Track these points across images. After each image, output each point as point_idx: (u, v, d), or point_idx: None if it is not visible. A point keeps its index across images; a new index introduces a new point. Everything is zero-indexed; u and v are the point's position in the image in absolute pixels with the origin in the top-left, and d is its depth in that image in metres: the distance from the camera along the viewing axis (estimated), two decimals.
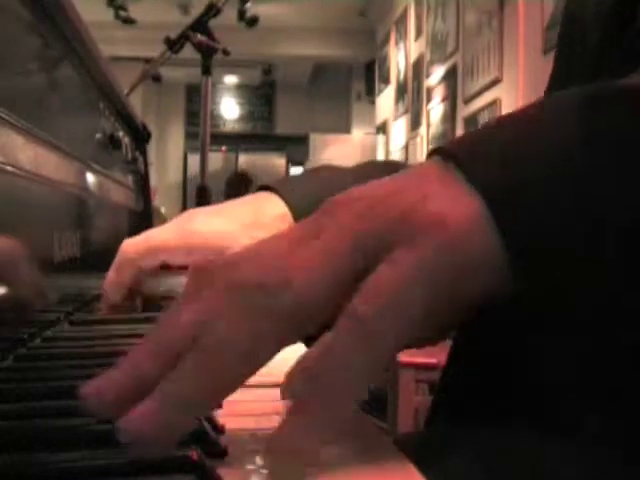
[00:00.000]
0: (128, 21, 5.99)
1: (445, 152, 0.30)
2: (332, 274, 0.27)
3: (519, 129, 0.30)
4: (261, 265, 0.28)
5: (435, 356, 2.22)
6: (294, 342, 0.28)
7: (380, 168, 0.63)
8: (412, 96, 5.52)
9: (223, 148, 7.97)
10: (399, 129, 6.05)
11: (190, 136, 8.29)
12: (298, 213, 0.57)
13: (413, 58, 5.51)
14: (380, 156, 7.06)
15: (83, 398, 0.26)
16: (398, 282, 0.26)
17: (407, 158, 5.66)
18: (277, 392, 0.37)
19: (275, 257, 0.28)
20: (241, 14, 2.73)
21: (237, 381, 0.27)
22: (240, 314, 0.26)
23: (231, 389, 0.27)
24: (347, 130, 8.18)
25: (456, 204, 0.28)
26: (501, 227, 0.27)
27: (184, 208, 7.56)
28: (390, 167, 0.63)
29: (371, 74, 7.30)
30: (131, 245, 0.59)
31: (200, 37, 2.03)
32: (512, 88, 3.48)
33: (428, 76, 5.02)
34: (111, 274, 0.60)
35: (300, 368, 0.32)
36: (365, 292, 0.27)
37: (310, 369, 0.27)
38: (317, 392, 0.26)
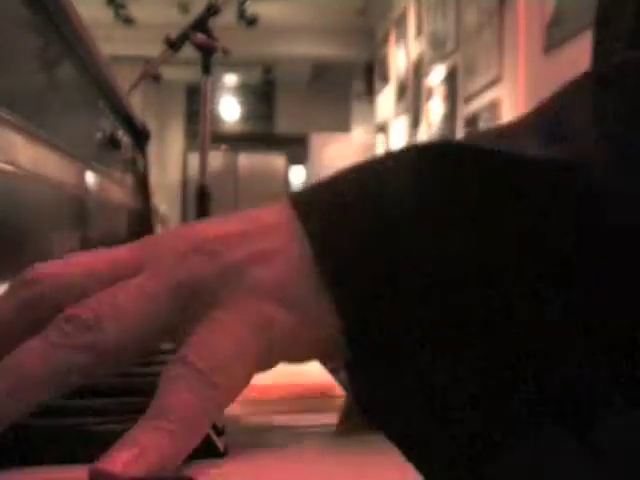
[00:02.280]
0: (128, 20, 6.00)
1: (292, 199, 0.30)
2: (146, 319, 0.27)
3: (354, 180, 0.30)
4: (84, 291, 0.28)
5: None
6: (100, 374, 0.28)
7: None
8: (412, 95, 5.52)
9: (223, 148, 7.96)
10: (399, 128, 6.05)
11: (190, 136, 8.29)
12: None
13: (413, 57, 5.51)
14: None
15: None
16: (231, 339, 0.26)
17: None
18: (277, 394, 0.37)
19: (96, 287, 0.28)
20: (241, 14, 2.74)
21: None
22: (51, 341, 0.27)
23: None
24: (347, 130, 8.19)
25: (282, 259, 0.28)
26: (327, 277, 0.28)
27: (184, 208, 7.57)
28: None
29: (371, 73, 7.30)
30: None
31: (200, 36, 2.03)
32: (512, 88, 3.48)
33: (428, 75, 5.02)
34: None
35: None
36: (198, 345, 0.26)
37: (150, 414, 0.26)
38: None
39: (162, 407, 0.25)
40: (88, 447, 0.26)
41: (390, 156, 0.31)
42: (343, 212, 0.28)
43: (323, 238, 0.28)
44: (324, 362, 0.35)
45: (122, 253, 0.30)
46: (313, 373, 0.41)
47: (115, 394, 0.34)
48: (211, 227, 0.29)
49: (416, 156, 0.30)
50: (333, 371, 0.40)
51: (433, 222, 0.28)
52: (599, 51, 0.52)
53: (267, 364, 0.28)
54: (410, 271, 0.27)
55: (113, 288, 0.28)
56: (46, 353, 0.26)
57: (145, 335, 0.27)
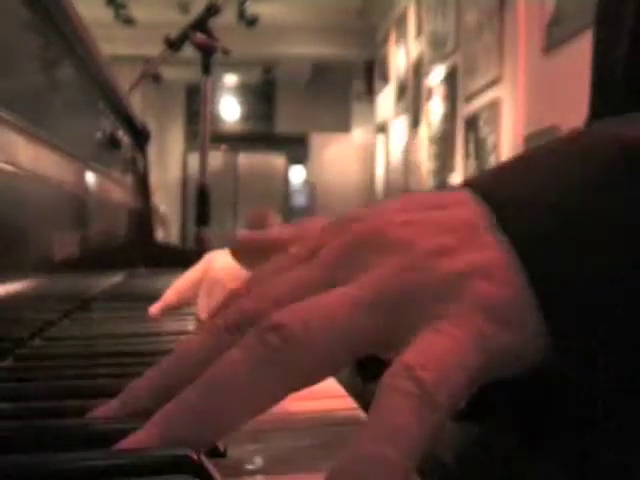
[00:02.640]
0: (128, 20, 6.00)
1: (476, 189, 0.29)
2: (355, 327, 0.26)
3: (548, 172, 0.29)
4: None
5: None
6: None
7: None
8: (412, 95, 5.52)
9: (223, 148, 7.96)
10: (399, 128, 6.05)
11: (190, 136, 8.29)
12: None
13: (413, 57, 5.51)
14: (380, 156, 7.06)
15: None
16: (456, 351, 0.25)
17: (407, 158, 5.67)
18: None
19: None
20: (241, 13, 2.74)
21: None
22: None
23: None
24: (347, 129, 8.18)
25: (491, 280, 0.27)
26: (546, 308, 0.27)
27: (184, 208, 7.57)
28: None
29: (371, 73, 7.30)
30: (219, 270, 0.60)
31: (200, 36, 2.03)
32: (512, 88, 3.48)
33: (428, 75, 5.02)
34: (203, 301, 0.60)
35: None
36: (423, 354, 0.25)
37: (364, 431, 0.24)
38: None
39: (385, 427, 0.23)
40: (90, 448, 0.26)
41: (584, 149, 0.29)
42: (549, 221, 0.27)
43: (536, 257, 0.27)
44: None
45: (315, 271, 0.29)
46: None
47: (115, 394, 0.34)
48: (416, 234, 0.28)
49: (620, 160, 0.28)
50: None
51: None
52: (599, 50, 0.52)
53: (482, 381, 0.26)
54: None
55: (320, 296, 0.27)
56: (251, 369, 0.25)
57: (353, 344, 0.26)
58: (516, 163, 0.31)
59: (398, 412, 0.23)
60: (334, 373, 0.27)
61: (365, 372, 0.31)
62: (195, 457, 0.24)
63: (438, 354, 0.25)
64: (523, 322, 0.27)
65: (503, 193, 0.28)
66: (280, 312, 0.26)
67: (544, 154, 0.30)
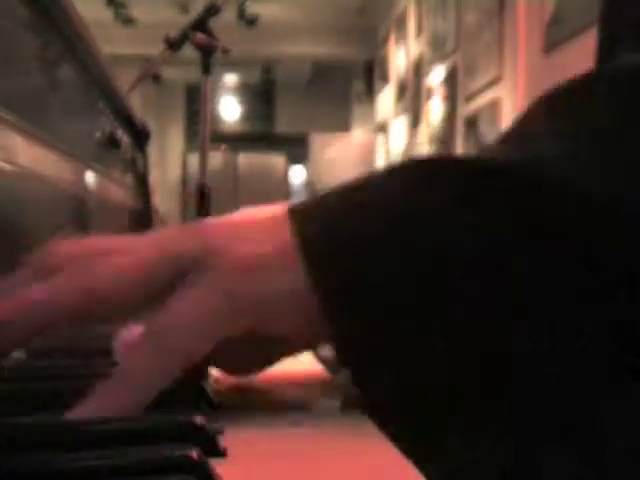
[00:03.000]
0: (128, 20, 6.00)
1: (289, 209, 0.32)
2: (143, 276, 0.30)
3: (349, 193, 0.32)
4: None
5: None
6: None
7: None
8: (412, 95, 5.52)
9: (223, 148, 7.96)
10: (399, 128, 6.05)
11: (190, 136, 8.29)
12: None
13: (413, 57, 5.51)
14: (380, 156, 7.06)
15: None
16: (198, 304, 0.29)
17: (407, 158, 5.66)
18: (277, 394, 0.37)
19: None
20: (241, 13, 2.73)
21: None
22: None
23: None
24: (347, 129, 8.18)
25: (272, 241, 0.30)
26: (311, 266, 0.29)
27: (184, 208, 7.56)
28: None
29: (371, 73, 7.30)
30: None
31: (200, 36, 2.03)
32: (512, 87, 3.48)
33: (428, 76, 5.02)
34: None
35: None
36: (166, 308, 0.29)
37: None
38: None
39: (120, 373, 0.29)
40: (90, 448, 0.26)
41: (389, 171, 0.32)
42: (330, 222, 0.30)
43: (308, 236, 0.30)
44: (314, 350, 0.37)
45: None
46: (305, 364, 0.41)
47: None
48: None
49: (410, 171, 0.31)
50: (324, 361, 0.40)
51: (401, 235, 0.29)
52: (604, 46, 0.52)
53: (234, 328, 0.30)
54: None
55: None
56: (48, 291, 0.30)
57: (135, 291, 0.30)
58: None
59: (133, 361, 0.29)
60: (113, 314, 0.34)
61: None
62: (195, 457, 0.24)
63: (179, 308, 0.29)
64: (283, 273, 0.29)
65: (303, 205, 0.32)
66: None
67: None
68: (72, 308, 0.30)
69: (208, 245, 0.30)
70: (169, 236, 0.32)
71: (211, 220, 0.33)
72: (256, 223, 0.31)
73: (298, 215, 0.31)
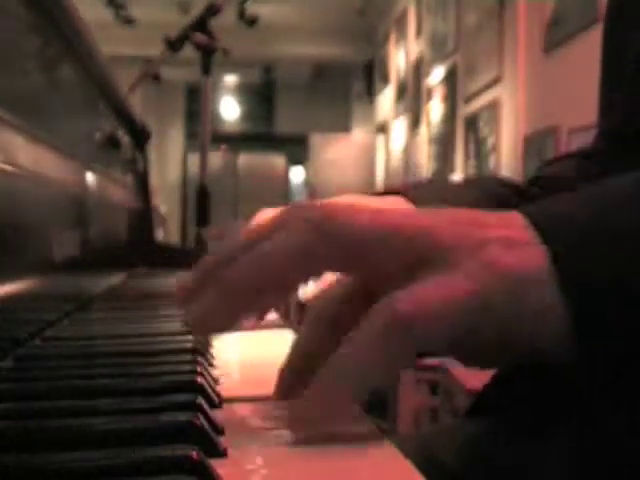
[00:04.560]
0: (128, 20, 6.00)
1: (527, 215, 0.30)
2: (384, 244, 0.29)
3: (599, 208, 0.30)
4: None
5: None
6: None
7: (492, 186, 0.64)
8: (412, 96, 5.52)
9: (223, 148, 7.96)
10: (399, 129, 6.05)
11: (190, 136, 8.29)
12: None
13: (413, 58, 5.51)
14: (380, 156, 7.06)
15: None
16: (448, 296, 0.27)
17: (407, 158, 5.67)
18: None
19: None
20: (241, 14, 2.73)
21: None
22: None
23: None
24: (347, 130, 8.18)
25: (511, 249, 0.28)
26: (565, 285, 0.28)
27: (184, 208, 7.56)
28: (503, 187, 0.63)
29: (371, 74, 7.30)
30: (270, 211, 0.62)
31: (200, 36, 2.03)
32: (512, 88, 3.48)
33: (428, 75, 5.02)
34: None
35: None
36: (412, 292, 0.28)
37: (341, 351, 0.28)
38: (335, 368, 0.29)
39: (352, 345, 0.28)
40: (90, 448, 0.26)
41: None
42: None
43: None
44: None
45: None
46: None
47: (115, 394, 0.34)
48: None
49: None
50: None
51: None
52: (611, 43, 0.52)
53: (473, 330, 0.28)
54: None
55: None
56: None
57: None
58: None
59: (366, 332, 0.28)
60: None
61: None
62: (195, 457, 0.24)
63: (423, 293, 0.27)
64: (535, 287, 0.28)
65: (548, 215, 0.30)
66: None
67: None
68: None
69: (437, 243, 0.29)
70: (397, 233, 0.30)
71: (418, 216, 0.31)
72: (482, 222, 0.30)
73: (547, 231, 0.29)
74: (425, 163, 5.12)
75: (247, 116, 9.05)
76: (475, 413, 0.46)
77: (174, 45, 2.07)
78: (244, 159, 8.16)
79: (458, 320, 0.28)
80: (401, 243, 0.29)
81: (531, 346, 0.29)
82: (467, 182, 0.66)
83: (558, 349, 0.28)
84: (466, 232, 0.29)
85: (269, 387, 0.36)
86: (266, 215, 0.58)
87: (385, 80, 6.63)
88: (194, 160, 6.32)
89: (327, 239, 0.29)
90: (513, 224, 0.30)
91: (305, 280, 0.31)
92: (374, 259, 0.29)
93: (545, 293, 0.28)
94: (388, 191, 0.61)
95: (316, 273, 0.31)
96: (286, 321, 0.49)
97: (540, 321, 0.28)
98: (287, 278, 0.30)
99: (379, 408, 2.45)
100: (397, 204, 0.58)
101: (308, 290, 0.55)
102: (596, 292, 0.27)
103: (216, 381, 0.39)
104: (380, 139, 7.03)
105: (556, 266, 0.28)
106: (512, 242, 0.28)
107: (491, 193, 0.61)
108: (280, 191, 7.93)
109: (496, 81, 3.68)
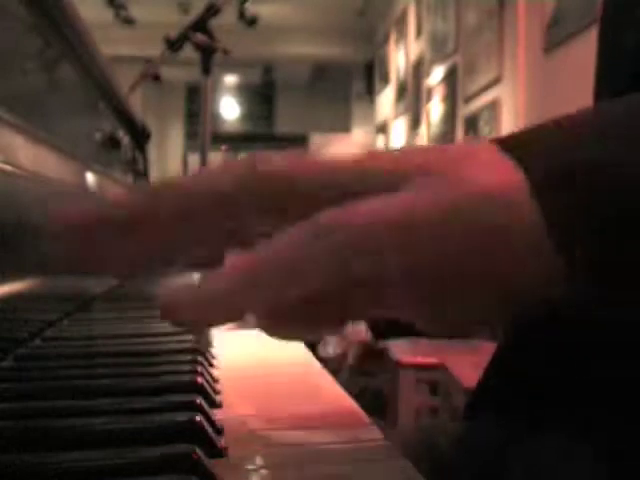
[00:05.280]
0: (128, 21, 6.00)
1: (498, 141, 0.27)
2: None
3: (572, 129, 0.27)
4: None
5: (435, 356, 2.22)
6: None
7: None
8: (412, 96, 5.52)
9: (223, 148, 7.96)
10: (399, 129, 6.05)
11: (190, 136, 8.29)
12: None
13: (413, 58, 5.51)
14: None
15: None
16: (405, 205, 0.24)
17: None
18: (277, 394, 0.37)
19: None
20: (241, 14, 2.73)
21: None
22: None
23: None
24: (347, 130, 8.18)
25: (497, 172, 0.25)
26: (546, 205, 0.24)
27: None
28: None
29: (371, 74, 7.30)
30: None
31: (200, 37, 2.03)
32: (512, 88, 3.48)
33: (428, 76, 5.02)
34: None
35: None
36: (350, 207, 0.24)
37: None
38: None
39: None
40: (90, 448, 0.26)
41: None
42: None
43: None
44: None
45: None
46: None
47: (115, 394, 0.34)
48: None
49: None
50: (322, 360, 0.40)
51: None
52: (606, 42, 0.52)
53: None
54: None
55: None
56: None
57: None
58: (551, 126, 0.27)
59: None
60: None
61: (377, 329, 0.31)
62: (195, 457, 0.24)
63: (367, 205, 0.24)
64: (513, 208, 0.24)
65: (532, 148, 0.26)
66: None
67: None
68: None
69: (422, 167, 0.25)
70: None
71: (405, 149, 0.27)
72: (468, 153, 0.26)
73: (517, 149, 0.25)
74: None
75: (247, 116, 9.05)
76: (473, 410, 0.46)
77: (174, 45, 2.07)
78: None
79: (415, 233, 0.23)
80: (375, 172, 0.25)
81: (514, 280, 0.24)
82: None
83: (546, 281, 0.24)
84: (434, 156, 0.25)
85: (270, 389, 0.36)
86: None
87: (385, 80, 6.63)
88: (194, 160, 6.32)
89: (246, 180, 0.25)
90: (489, 150, 0.26)
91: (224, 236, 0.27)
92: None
93: (526, 213, 0.24)
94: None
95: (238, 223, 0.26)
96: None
97: (523, 243, 0.24)
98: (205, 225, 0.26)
99: (379, 408, 2.45)
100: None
101: (329, 349, 0.54)
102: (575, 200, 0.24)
103: (216, 381, 0.39)
104: (380, 139, 7.03)
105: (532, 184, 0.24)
106: (485, 162, 0.25)
107: None
108: None
109: (496, 81, 3.68)
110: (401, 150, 0.27)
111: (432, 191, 0.24)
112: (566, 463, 0.33)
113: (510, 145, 0.26)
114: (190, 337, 0.47)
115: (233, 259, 0.25)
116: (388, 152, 0.26)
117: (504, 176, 0.24)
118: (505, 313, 0.25)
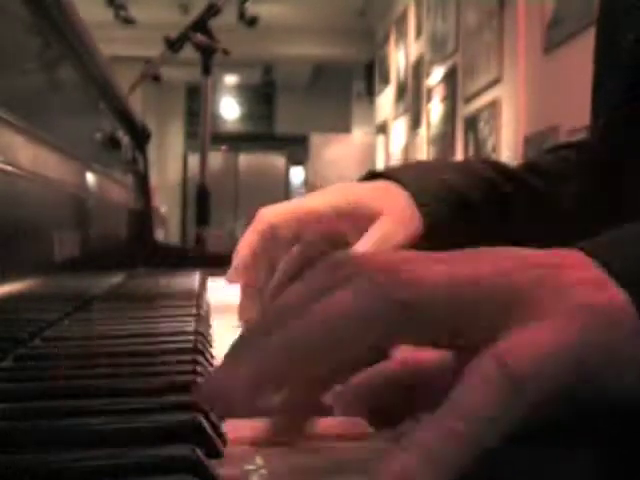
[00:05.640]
0: (128, 21, 5.99)
1: (583, 249, 0.28)
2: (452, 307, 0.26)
3: None
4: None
5: None
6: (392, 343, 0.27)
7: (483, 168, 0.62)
8: (412, 96, 5.52)
9: (223, 148, 7.96)
10: (399, 129, 6.05)
11: (190, 136, 8.29)
12: (418, 197, 0.57)
13: (413, 58, 5.51)
14: (380, 156, 7.05)
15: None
16: (554, 345, 0.24)
17: (407, 158, 5.66)
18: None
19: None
20: (241, 14, 2.73)
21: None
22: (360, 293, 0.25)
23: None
24: (347, 130, 8.18)
25: (601, 290, 0.26)
26: None
27: (184, 208, 7.56)
28: (495, 168, 0.62)
29: (371, 74, 7.30)
30: (270, 209, 0.58)
31: (200, 37, 2.03)
32: (512, 88, 3.48)
33: (428, 76, 5.02)
34: (247, 235, 0.57)
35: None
36: (515, 342, 0.24)
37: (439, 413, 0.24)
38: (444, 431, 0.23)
39: (460, 405, 0.23)
40: (90, 448, 0.26)
41: None
42: None
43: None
44: None
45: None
46: None
47: (115, 394, 0.34)
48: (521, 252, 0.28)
49: None
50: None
51: None
52: (603, 41, 0.52)
53: (575, 380, 0.25)
54: None
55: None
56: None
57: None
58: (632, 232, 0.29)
59: (476, 392, 0.23)
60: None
61: (377, 419, 0.31)
62: (195, 457, 0.24)
63: (533, 343, 0.24)
64: (621, 326, 0.25)
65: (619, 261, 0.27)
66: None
67: None
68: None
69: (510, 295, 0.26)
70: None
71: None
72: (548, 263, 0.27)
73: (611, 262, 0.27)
74: None
75: (247, 116, 9.05)
76: None
77: (174, 45, 2.07)
78: (244, 159, 8.17)
79: (570, 370, 0.24)
80: (484, 299, 0.26)
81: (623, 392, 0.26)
82: (455, 165, 0.65)
83: None
84: (545, 275, 0.26)
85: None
86: (267, 215, 0.57)
87: (385, 80, 6.63)
88: (194, 160, 6.32)
89: (400, 308, 0.25)
90: (585, 265, 0.27)
91: (375, 352, 0.27)
92: (455, 323, 0.26)
93: (632, 329, 0.26)
94: (372, 174, 0.61)
95: (387, 344, 0.27)
96: None
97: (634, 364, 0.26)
98: (360, 347, 0.25)
99: None
100: (387, 189, 0.58)
101: None
102: None
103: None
104: (380, 139, 7.03)
105: None
106: (597, 284, 0.26)
107: (482, 177, 0.60)
108: (280, 191, 7.94)
109: (496, 81, 3.68)
110: (502, 259, 0.27)
111: (571, 320, 0.25)
112: (559, 467, 0.33)
113: (615, 268, 0.27)
114: (190, 337, 0.47)
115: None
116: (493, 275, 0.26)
117: (608, 294, 0.26)
118: None
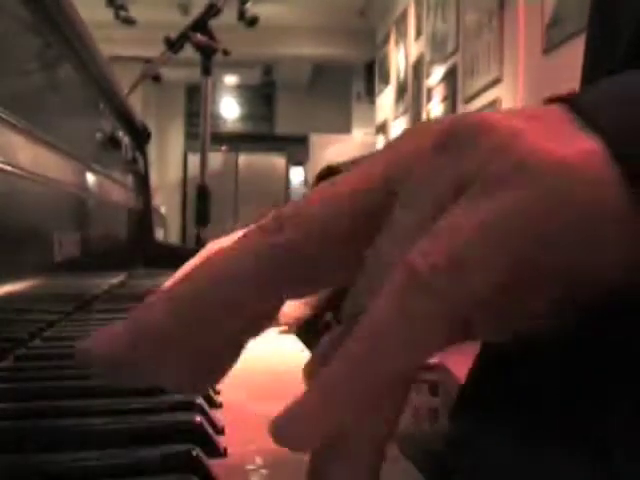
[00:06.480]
0: (128, 21, 5.99)
1: (561, 100, 0.23)
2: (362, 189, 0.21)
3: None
4: None
5: (435, 356, 2.22)
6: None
7: None
8: (412, 96, 5.52)
9: (223, 148, 7.96)
10: (399, 129, 6.05)
11: (190, 136, 8.29)
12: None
13: (413, 58, 5.51)
14: None
15: None
16: (477, 232, 0.19)
17: None
18: (278, 394, 0.37)
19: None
20: (241, 14, 2.73)
21: None
22: None
23: None
24: (347, 130, 8.18)
25: (570, 143, 0.20)
26: (630, 171, 0.20)
27: (184, 208, 7.56)
28: None
29: (371, 74, 7.30)
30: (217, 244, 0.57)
31: (200, 37, 2.03)
32: (512, 88, 3.48)
33: (428, 76, 5.02)
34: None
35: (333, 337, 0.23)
36: (434, 238, 0.20)
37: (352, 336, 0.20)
38: (352, 362, 0.20)
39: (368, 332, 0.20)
40: (90, 448, 0.26)
41: None
42: None
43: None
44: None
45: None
46: None
47: (115, 394, 0.34)
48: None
49: None
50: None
51: None
52: (596, 37, 0.52)
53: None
54: None
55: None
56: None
57: None
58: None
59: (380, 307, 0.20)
60: None
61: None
62: (195, 456, 0.24)
63: (452, 239, 0.19)
64: (595, 184, 0.19)
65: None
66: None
67: None
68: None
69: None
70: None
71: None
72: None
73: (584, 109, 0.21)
74: None
75: (247, 116, 9.05)
76: (462, 409, 0.45)
77: (174, 46, 2.07)
78: (244, 159, 8.17)
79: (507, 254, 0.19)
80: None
81: (596, 271, 0.20)
82: None
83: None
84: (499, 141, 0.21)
85: (269, 389, 0.36)
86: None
87: (385, 80, 6.63)
88: (194, 160, 6.32)
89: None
90: (548, 112, 0.22)
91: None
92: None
93: (608, 188, 0.20)
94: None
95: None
96: None
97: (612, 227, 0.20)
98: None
99: None
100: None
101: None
102: None
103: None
104: (380, 140, 7.03)
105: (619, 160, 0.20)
106: (550, 130, 0.21)
107: None
108: (280, 191, 7.94)
109: (496, 81, 3.68)
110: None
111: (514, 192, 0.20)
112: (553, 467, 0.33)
113: (576, 106, 0.22)
114: None
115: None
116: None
117: (580, 145, 0.20)
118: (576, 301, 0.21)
